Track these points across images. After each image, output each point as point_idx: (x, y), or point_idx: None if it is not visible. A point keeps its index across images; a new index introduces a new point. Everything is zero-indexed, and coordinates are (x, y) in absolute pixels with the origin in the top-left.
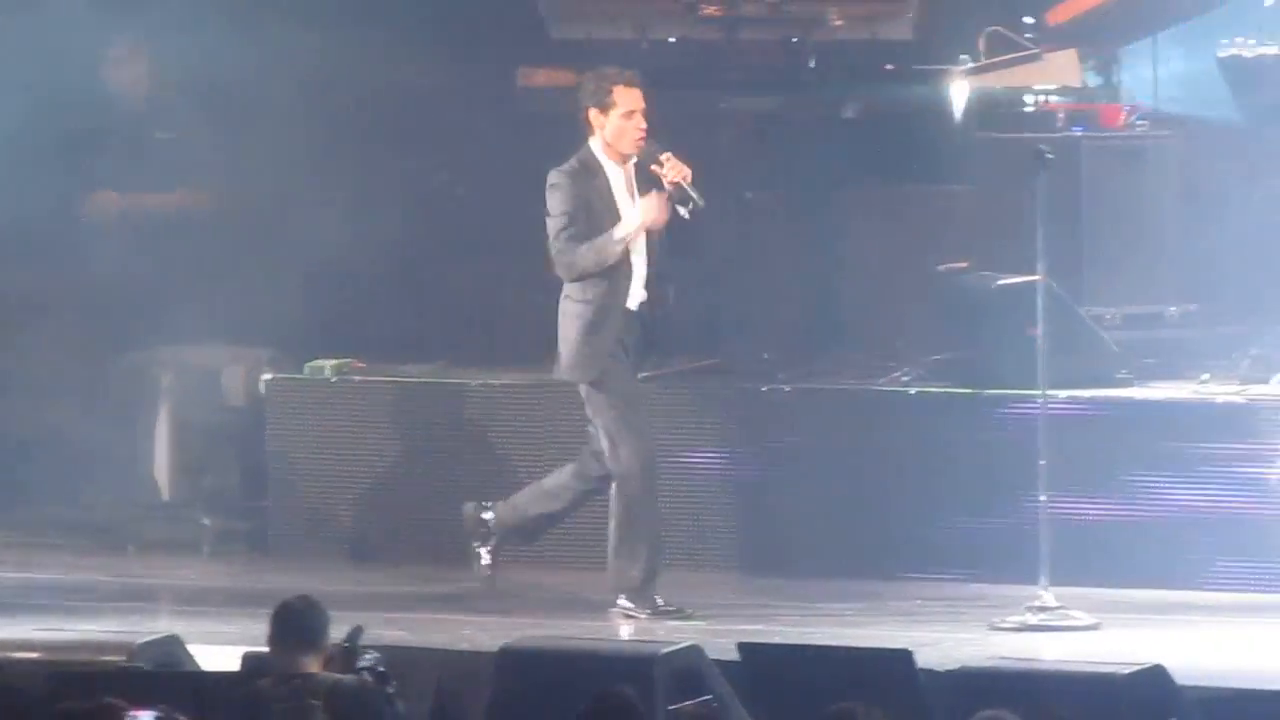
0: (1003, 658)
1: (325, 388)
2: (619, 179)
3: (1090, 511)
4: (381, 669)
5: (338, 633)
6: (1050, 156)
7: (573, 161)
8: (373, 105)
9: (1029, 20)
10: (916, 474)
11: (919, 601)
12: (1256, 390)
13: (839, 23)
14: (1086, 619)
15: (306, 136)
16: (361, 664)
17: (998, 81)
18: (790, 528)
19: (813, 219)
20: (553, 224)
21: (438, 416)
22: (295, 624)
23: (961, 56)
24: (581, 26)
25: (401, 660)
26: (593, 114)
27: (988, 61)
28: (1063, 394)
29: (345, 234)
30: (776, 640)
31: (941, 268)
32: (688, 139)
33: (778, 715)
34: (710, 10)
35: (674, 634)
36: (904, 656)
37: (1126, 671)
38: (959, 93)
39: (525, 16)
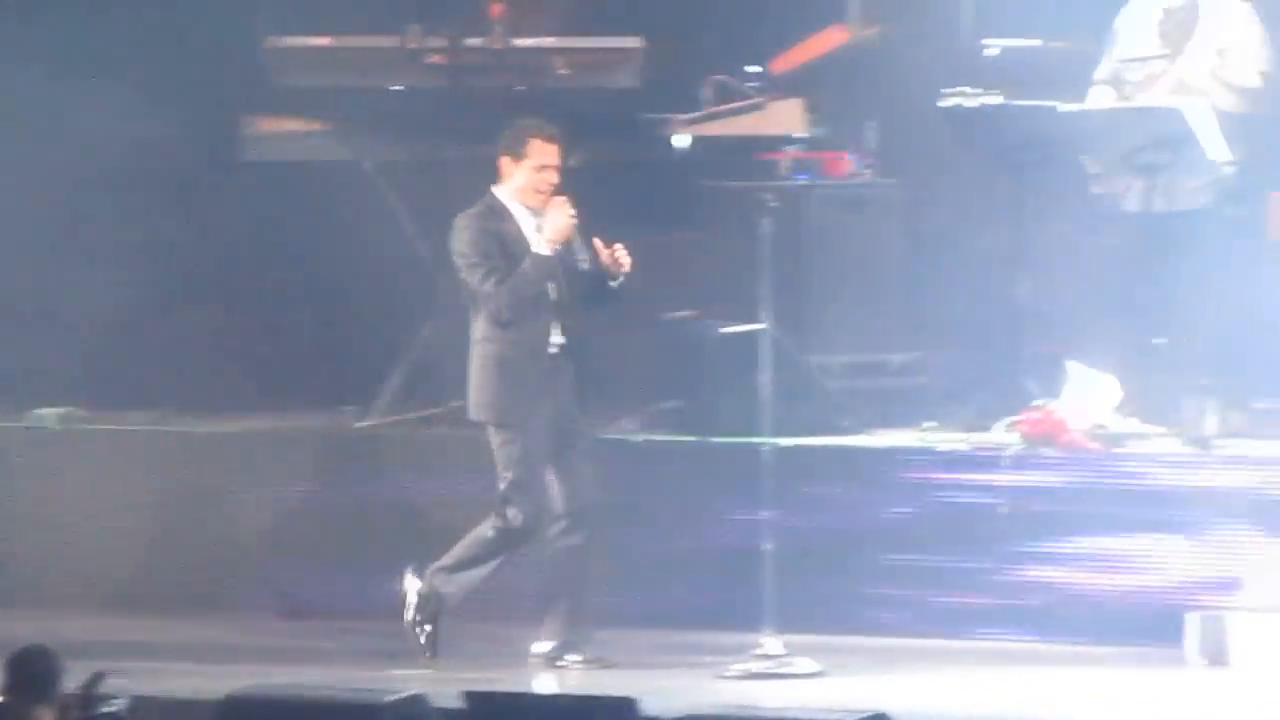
0: (727, 706)
1: (47, 435)
2: (529, 223)
3: (817, 558)
4: (123, 716)
5: (77, 680)
6: (774, 205)
7: (479, 205)
8: (97, 152)
9: (754, 69)
10: (641, 521)
11: (646, 650)
12: (979, 437)
13: (565, 71)
14: (810, 666)
15: (29, 184)
16: (101, 711)
17: (723, 130)
18: (519, 575)
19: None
20: (470, 270)
21: (163, 464)
22: (28, 672)
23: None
24: (306, 74)
25: (144, 708)
26: (504, 161)
27: (713, 110)
28: (787, 442)
29: (64, 280)
30: (502, 688)
31: (668, 316)
32: (416, 187)
33: None
34: (436, 58)
35: (399, 683)
36: (628, 704)
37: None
38: (684, 141)
39: (250, 64)
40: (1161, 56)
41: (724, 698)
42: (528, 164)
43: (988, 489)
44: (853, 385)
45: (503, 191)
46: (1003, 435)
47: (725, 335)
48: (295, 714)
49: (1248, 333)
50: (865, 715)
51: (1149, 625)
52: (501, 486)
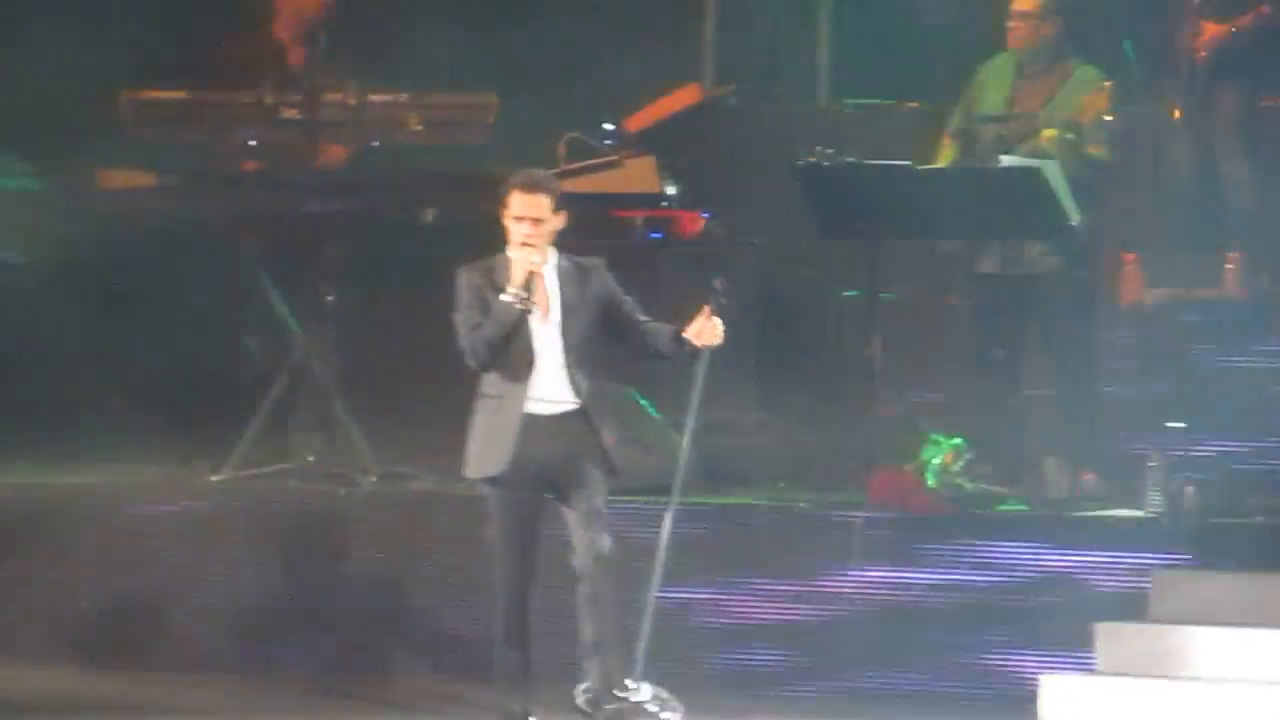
0: None
1: None
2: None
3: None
4: None
5: None
6: (719, 289)
7: (485, 259)
8: None
9: (608, 127)
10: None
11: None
12: (833, 497)
13: (419, 127)
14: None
15: None
16: None
17: (576, 187)
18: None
19: (396, 319)
20: (456, 320)
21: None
22: None
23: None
24: (162, 129)
25: None
26: (502, 213)
27: (567, 167)
28: (640, 499)
29: None
30: None
31: None
32: (272, 240)
33: None
34: (290, 113)
35: None
36: None
37: None
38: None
39: (105, 117)
40: (1016, 118)
41: None
42: (509, 214)
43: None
44: (708, 444)
45: (510, 252)
46: (853, 496)
47: None
48: None
49: (1096, 393)
50: None
51: (1004, 688)
52: None
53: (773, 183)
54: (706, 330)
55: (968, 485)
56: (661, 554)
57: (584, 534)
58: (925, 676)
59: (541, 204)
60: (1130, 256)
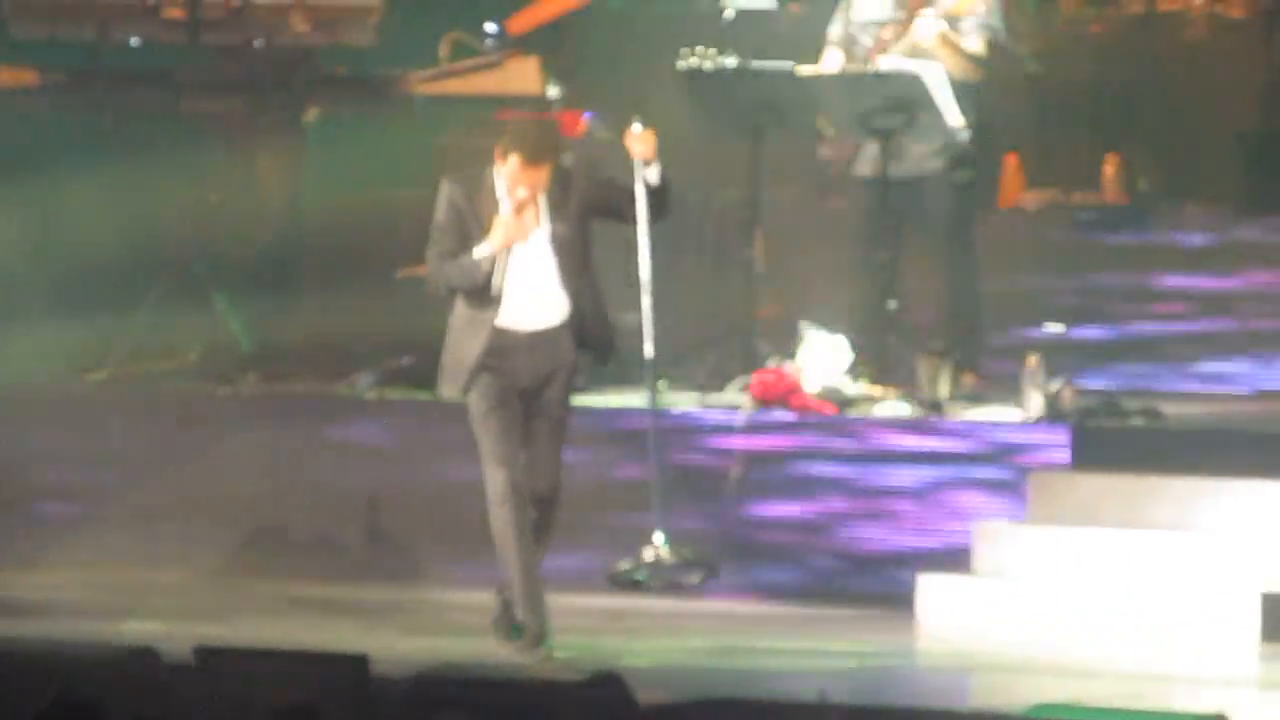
0: (459, 665)
1: None
2: (503, 213)
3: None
4: None
5: None
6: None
7: (470, 172)
8: None
9: (491, 28)
10: (379, 478)
11: (378, 608)
12: (713, 398)
13: (302, 27)
14: None
15: None
16: None
17: (459, 88)
18: (253, 531)
19: (278, 223)
20: (431, 232)
21: None
22: None
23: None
24: (44, 26)
25: None
26: (498, 149)
27: (449, 68)
28: None
29: None
30: (233, 644)
31: (400, 273)
32: (152, 141)
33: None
34: (173, 12)
35: (131, 638)
36: (360, 661)
37: (581, 679)
38: (420, 98)
39: None
40: (895, 21)
41: (452, 655)
42: (506, 171)
43: (720, 450)
44: None
45: (498, 172)
46: (735, 397)
47: None
48: (31, 664)
49: (976, 296)
50: (600, 672)
51: (881, 588)
52: None
53: (654, 84)
54: (638, 142)
55: (848, 386)
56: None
57: (541, 466)
58: (802, 575)
59: (542, 178)
60: (1011, 159)
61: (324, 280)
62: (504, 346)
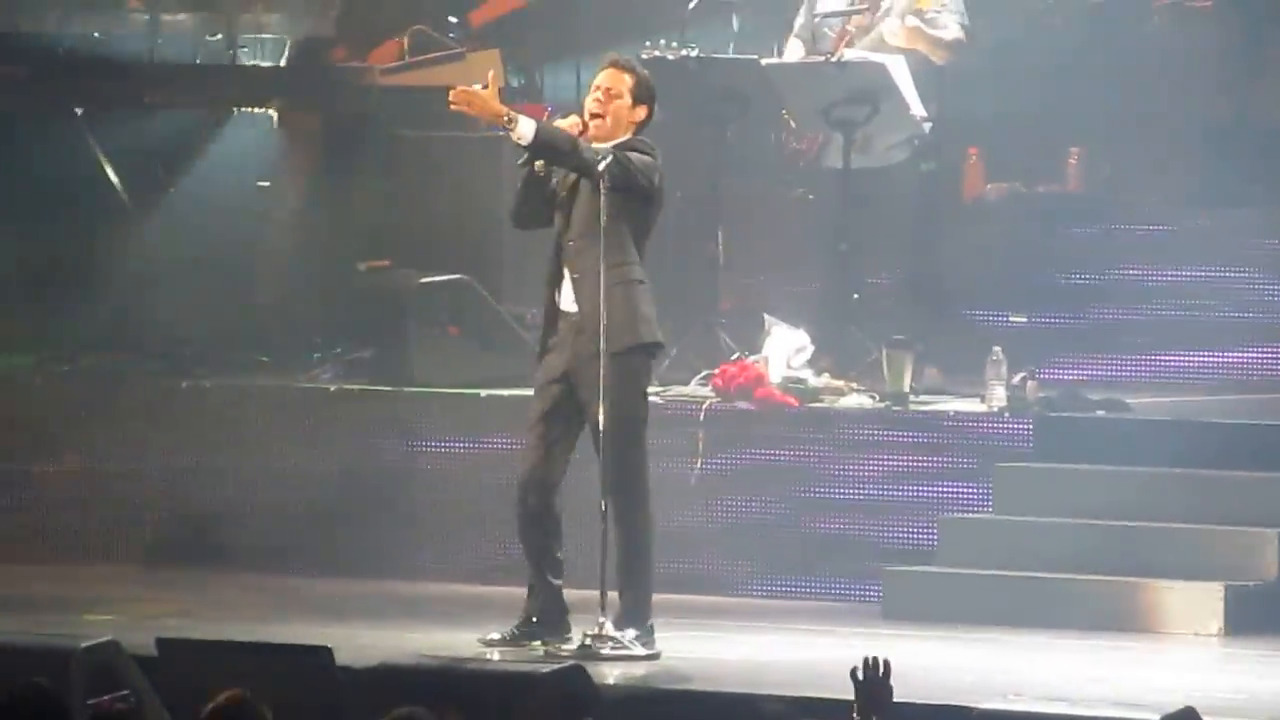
0: (423, 655)
1: None
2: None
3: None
4: None
5: None
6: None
7: None
8: None
9: (453, 20)
10: (342, 471)
11: (342, 599)
12: (676, 391)
13: (265, 18)
14: None
15: None
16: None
17: (420, 80)
18: (216, 523)
19: (236, 218)
20: None
21: None
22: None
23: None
24: (5, 19)
25: None
26: None
27: (410, 60)
28: (483, 393)
29: None
30: (196, 636)
31: (363, 266)
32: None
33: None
34: (135, 3)
35: (92, 630)
36: (324, 652)
37: (546, 670)
38: (381, 90)
39: None
40: (859, 11)
41: (419, 647)
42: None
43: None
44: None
45: None
46: (698, 389)
47: (423, 285)
48: None
49: (941, 291)
50: (563, 666)
51: (847, 580)
52: None
53: None
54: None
55: (811, 378)
56: None
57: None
58: (767, 568)
59: (620, 79)
60: (974, 151)
61: (283, 272)
62: (558, 329)
